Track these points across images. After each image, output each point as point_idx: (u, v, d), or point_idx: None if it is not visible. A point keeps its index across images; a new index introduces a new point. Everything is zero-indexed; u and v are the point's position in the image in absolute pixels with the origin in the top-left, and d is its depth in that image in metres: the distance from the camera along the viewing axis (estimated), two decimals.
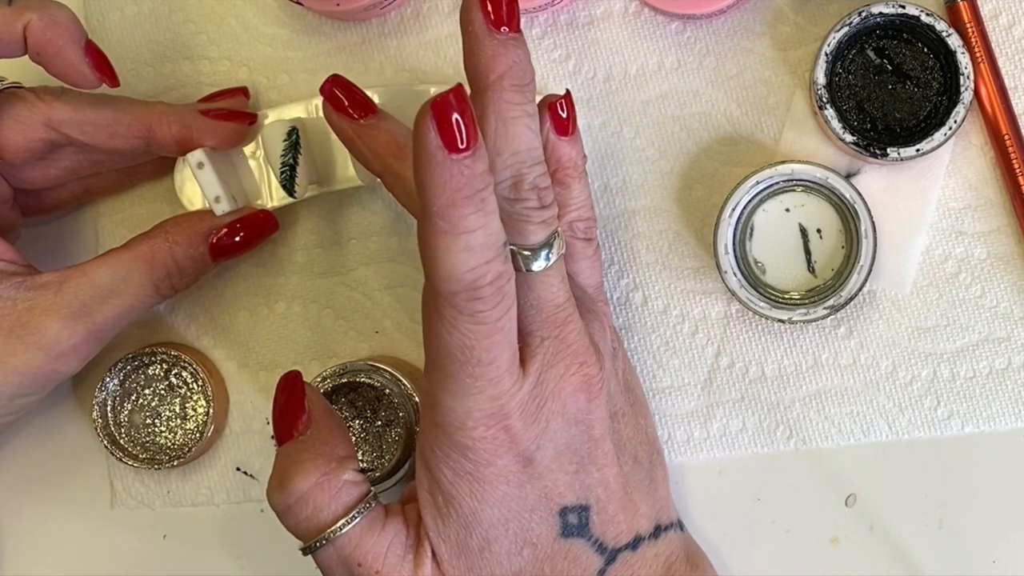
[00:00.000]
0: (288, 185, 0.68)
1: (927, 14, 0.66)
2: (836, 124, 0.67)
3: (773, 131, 0.70)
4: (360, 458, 0.71)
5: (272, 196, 0.71)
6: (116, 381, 0.73)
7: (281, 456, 0.62)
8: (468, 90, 0.57)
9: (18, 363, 0.65)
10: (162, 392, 0.74)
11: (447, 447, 0.59)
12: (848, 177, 0.69)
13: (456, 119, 0.52)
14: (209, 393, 0.73)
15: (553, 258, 0.59)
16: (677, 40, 0.71)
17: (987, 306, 0.69)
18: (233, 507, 0.74)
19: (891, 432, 0.70)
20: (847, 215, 0.67)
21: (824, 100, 0.67)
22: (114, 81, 0.67)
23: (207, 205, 0.69)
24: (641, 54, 0.71)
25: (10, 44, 0.64)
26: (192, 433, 0.73)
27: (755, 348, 0.71)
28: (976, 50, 0.67)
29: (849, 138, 0.67)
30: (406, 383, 0.70)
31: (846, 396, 0.70)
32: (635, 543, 0.63)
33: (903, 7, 0.66)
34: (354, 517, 0.60)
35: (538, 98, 0.65)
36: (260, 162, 0.71)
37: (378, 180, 0.69)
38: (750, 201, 0.68)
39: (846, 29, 0.67)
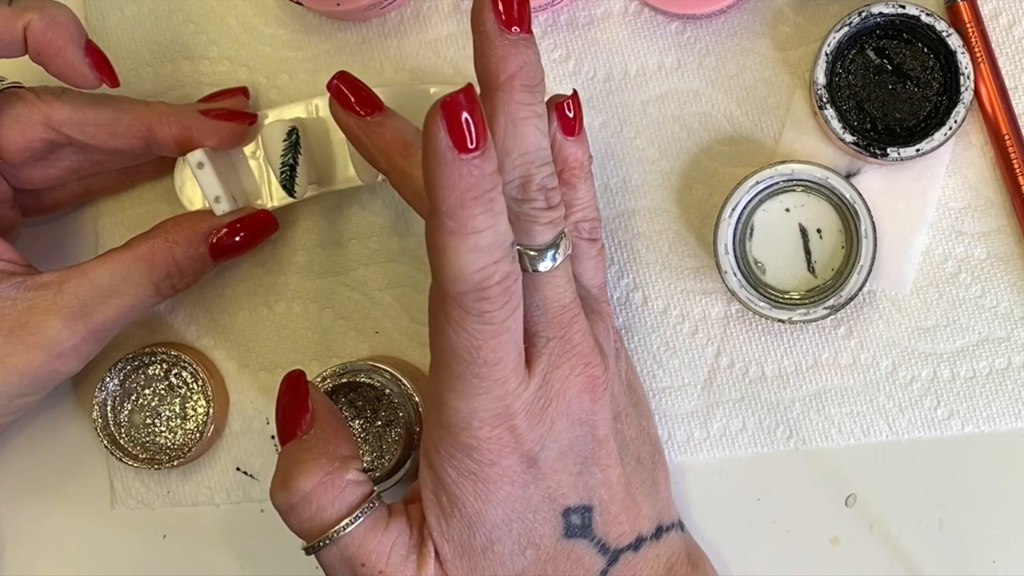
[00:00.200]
0: (288, 185, 0.68)
1: (927, 14, 0.66)
2: (836, 124, 0.67)
3: (773, 131, 0.70)
4: (357, 446, 0.71)
5: (272, 196, 0.71)
6: (116, 381, 0.73)
7: (284, 455, 0.62)
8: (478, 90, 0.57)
9: (18, 363, 0.65)
10: (162, 392, 0.74)
11: (452, 447, 0.59)
12: (848, 177, 0.69)
13: (466, 119, 0.52)
14: (209, 393, 0.73)
15: (560, 259, 0.59)
16: (677, 40, 0.71)
17: (987, 306, 0.69)
18: (233, 507, 0.74)
19: (891, 432, 0.70)
20: (847, 215, 0.67)
21: (824, 100, 0.67)
22: (114, 81, 0.67)
23: (207, 205, 0.69)
24: (641, 54, 0.71)
25: (10, 44, 0.64)
26: (192, 433, 0.73)
27: (755, 348, 0.71)
28: (976, 50, 0.67)
29: (849, 138, 0.67)
30: (406, 383, 0.70)
31: (846, 396, 0.70)
32: (637, 544, 0.63)
33: (903, 7, 0.66)
34: (357, 517, 0.60)
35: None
36: (260, 162, 0.71)
37: (379, 179, 0.69)
38: (750, 201, 0.68)
39: (846, 29, 0.67)
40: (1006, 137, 0.68)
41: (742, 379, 0.71)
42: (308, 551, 0.61)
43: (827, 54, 0.67)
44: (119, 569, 0.75)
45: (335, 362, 0.73)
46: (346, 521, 0.60)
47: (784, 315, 0.67)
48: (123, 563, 0.75)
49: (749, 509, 0.71)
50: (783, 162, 0.67)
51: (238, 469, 0.74)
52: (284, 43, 0.74)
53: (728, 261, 0.68)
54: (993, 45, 0.68)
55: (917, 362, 0.69)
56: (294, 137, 0.68)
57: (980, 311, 0.69)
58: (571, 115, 0.64)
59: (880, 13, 0.67)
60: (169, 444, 0.73)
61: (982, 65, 0.67)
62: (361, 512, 0.60)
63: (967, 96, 0.66)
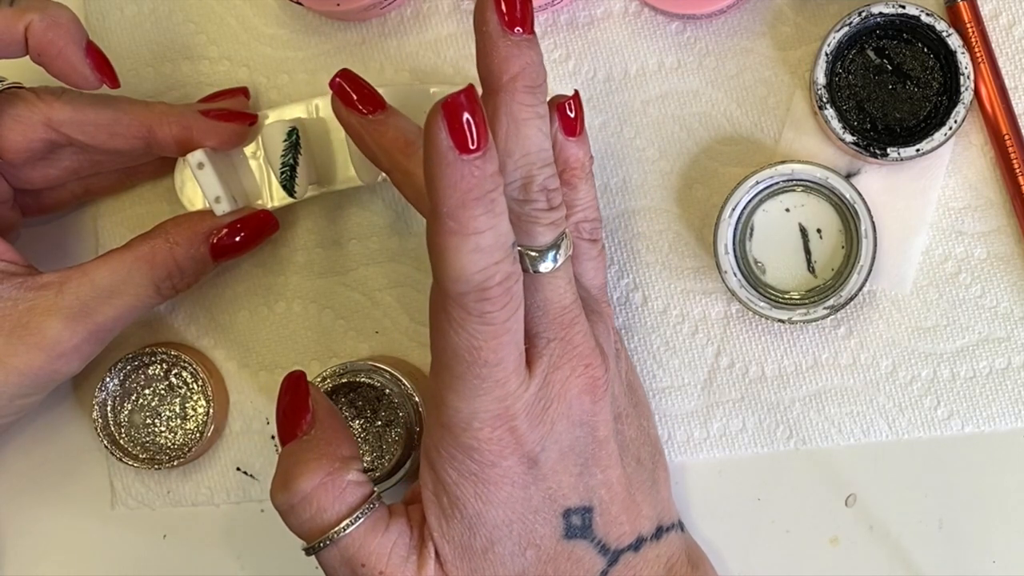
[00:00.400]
0: (288, 185, 0.68)
1: (927, 14, 0.66)
2: (836, 124, 0.67)
3: (773, 131, 0.70)
4: (359, 447, 0.71)
5: (272, 196, 0.71)
6: (116, 381, 0.73)
7: (285, 456, 0.62)
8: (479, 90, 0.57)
9: (19, 363, 0.65)
10: (162, 392, 0.74)
11: (453, 448, 0.59)
12: (848, 177, 0.69)
13: (467, 119, 0.52)
14: (209, 393, 0.73)
15: (561, 259, 0.59)
16: (677, 40, 0.71)
17: (987, 306, 0.69)
18: (233, 507, 0.74)
19: (891, 432, 0.70)
20: (847, 215, 0.68)
21: (824, 100, 0.67)
22: (114, 82, 0.67)
23: (207, 205, 0.69)
24: (641, 54, 0.71)
25: (11, 45, 0.64)
26: (192, 433, 0.73)
27: (755, 348, 0.71)
28: (976, 50, 0.67)
29: (849, 138, 0.67)
30: (406, 383, 0.70)
31: (846, 396, 0.70)
32: (637, 544, 0.63)
33: (903, 7, 0.66)
34: (358, 518, 0.60)
35: None
36: (260, 162, 0.71)
37: (379, 179, 0.69)
38: (750, 201, 0.68)
39: (846, 29, 0.67)
40: (1006, 137, 0.68)
41: (742, 379, 0.71)
42: (308, 552, 0.61)
43: (827, 54, 0.67)
44: (119, 569, 0.75)
45: (335, 362, 0.73)
46: (346, 522, 0.60)
47: (784, 315, 0.67)
48: (123, 563, 0.75)
49: (749, 509, 0.71)
50: (783, 162, 0.67)
51: (238, 469, 0.74)
52: (284, 43, 0.74)
53: (728, 261, 0.68)
54: (993, 45, 0.68)
55: (917, 362, 0.69)
56: (294, 137, 0.68)
57: (980, 311, 0.69)
58: (572, 115, 0.64)
59: (880, 13, 0.67)
60: (169, 444, 0.73)
61: (982, 65, 0.67)
62: (361, 513, 0.60)
63: (967, 96, 0.66)
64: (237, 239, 0.70)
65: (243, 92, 0.72)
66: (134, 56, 0.74)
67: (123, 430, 0.73)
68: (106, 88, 0.66)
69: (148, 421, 0.74)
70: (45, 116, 0.67)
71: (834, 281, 0.68)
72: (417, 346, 0.73)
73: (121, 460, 0.73)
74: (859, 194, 0.67)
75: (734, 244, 0.68)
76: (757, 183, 0.67)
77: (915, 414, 0.69)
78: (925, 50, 0.68)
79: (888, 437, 0.70)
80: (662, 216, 0.71)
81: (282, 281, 0.74)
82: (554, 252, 0.59)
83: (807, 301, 0.68)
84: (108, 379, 0.73)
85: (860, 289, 0.67)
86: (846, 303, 0.67)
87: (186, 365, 0.73)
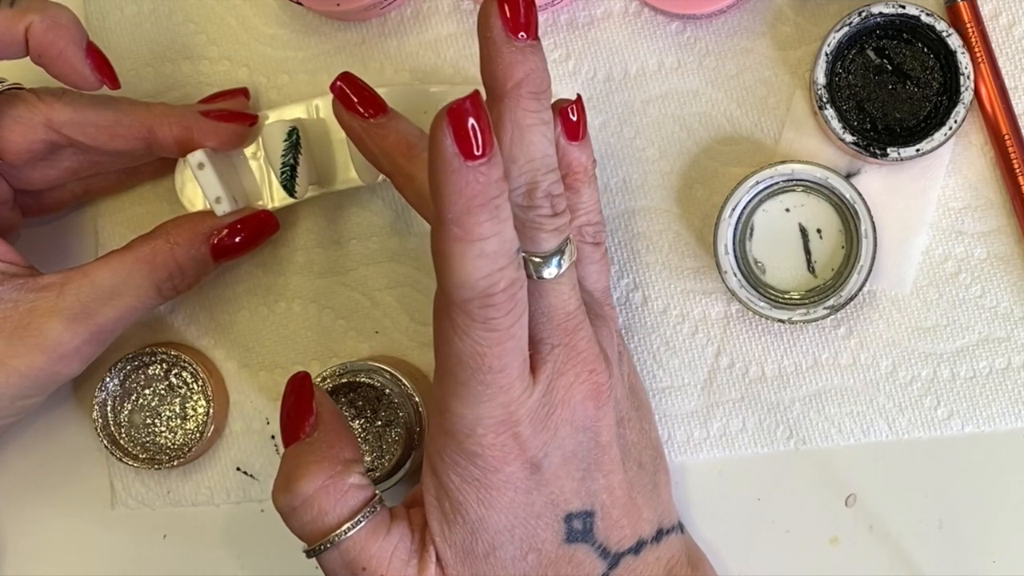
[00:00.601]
0: (289, 185, 0.68)
1: (927, 14, 0.66)
2: (836, 124, 0.67)
3: (773, 131, 0.70)
4: (361, 450, 0.71)
5: (273, 196, 0.71)
6: (116, 381, 0.73)
7: (287, 458, 0.62)
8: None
9: (20, 365, 0.65)
10: (162, 392, 0.74)
11: (456, 454, 0.59)
12: (848, 177, 0.69)
13: (472, 125, 0.52)
14: (209, 393, 0.73)
15: (564, 265, 0.59)
16: (677, 40, 0.71)
17: (987, 306, 0.69)
18: (233, 507, 0.75)
19: (891, 432, 0.70)
20: (847, 215, 0.68)
21: (824, 100, 0.67)
22: (115, 83, 0.67)
23: (208, 206, 0.69)
24: (641, 54, 0.71)
25: (12, 46, 0.64)
26: (192, 433, 0.73)
27: (755, 348, 0.71)
28: (976, 50, 0.67)
29: (849, 138, 0.67)
30: (406, 383, 0.70)
31: (846, 396, 0.70)
32: (638, 547, 0.63)
33: (903, 7, 0.66)
34: (359, 521, 0.60)
35: None
36: (261, 163, 0.71)
37: (379, 179, 0.69)
38: (750, 201, 0.68)
39: (846, 29, 0.67)
40: (1006, 137, 0.68)
41: (742, 379, 0.71)
42: (309, 554, 0.61)
43: (827, 54, 0.67)
44: (119, 569, 0.75)
45: (335, 362, 0.73)
46: (348, 525, 0.60)
47: (784, 315, 0.67)
48: (123, 563, 0.75)
49: (749, 509, 0.71)
50: (783, 162, 0.67)
51: (238, 469, 0.74)
52: (284, 43, 0.74)
53: (728, 261, 0.68)
54: (993, 45, 0.68)
55: (917, 362, 0.69)
56: (294, 137, 0.68)
57: (980, 311, 0.69)
58: (575, 119, 0.64)
59: (880, 13, 0.67)
60: (169, 444, 0.73)
61: (982, 65, 0.67)
62: (363, 516, 0.60)
63: (967, 96, 0.66)
64: (238, 239, 0.70)
65: (243, 93, 0.72)
66: (134, 56, 0.74)
67: (123, 430, 0.73)
68: (106, 89, 0.66)
69: (148, 421, 0.74)
70: (45, 117, 0.67)
71: (834, 281, 0.68)
72: (417, 346, 0.73)
73: (121, 460, 0.73)
74: (859, 194, 0.67)
75: (734, 244, 0.68)
76: (757, 183, 0.67)
77: (915, 414, 0.69)
78: (925, 50, 0.68)
79: (888, 437, 0.70)
80: (662, 216, 0.71)
81: (282, 281, 0.74)
82: (558, 258, 0.58)
83: (807, 301, 0.68)
84: (108, 379, 0.73)
85: (860, 289, 0.67)
86: (846, 303, 0.67)
87: (186, 365, 0.73)
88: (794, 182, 0.68)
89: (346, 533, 0.60)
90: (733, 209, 0.68)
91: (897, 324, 0.70)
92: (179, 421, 0.74)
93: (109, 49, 0.71)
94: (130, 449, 0.73)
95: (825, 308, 0.67)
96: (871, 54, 0.68)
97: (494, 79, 0.59)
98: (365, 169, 0.68)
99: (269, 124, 0.69)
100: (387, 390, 0.70)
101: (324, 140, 0.70)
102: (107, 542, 0.75)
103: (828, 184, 0.67)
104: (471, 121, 0.52)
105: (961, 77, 0.66)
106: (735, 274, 0.68)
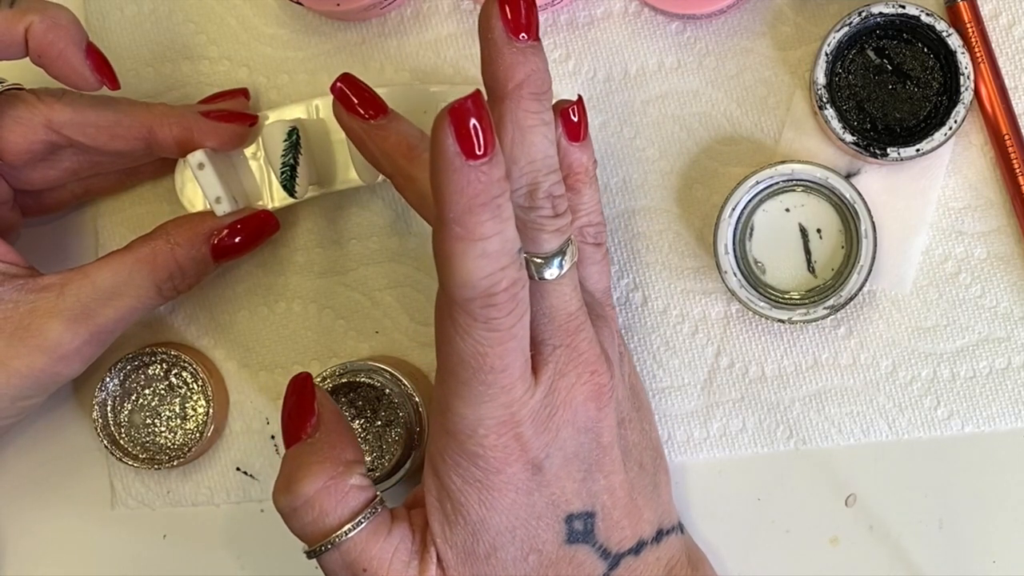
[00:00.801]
0: (289, 185, 0.68)
1: (927, 14, 0.66)
2: (836, 124, 0.67)
3: (773, 131, 0.70)
4: (363, 451, 0.71)
5: (273, 197, 0.71)
6: (116, 381, 0.73)
7: (288, 458, 0.62)
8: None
9: (20, 365, 0.65)
10: (162, 392, 0.74)
11: (458, 455, 0.59)
12: (848, 177, 0.69)
13: (474, 125, 0.52)
14: (209, 393, 0.73)
15: (566, 266, 0.59)
16: (677, 40, 0.71)
17: (987, 306, 0.69)
18: (233, 507, 0.75)
19: (891, 432, 0.70)
20: (847, 215, 0.68)
21: (824, 100, 0.67)
22: (114, 83, 0.67)
23: (208, 206, 0.69)
24: (641, 54, 0.71)
25: (12, 46, 0.64)
26: (192, 433, 0.73)
27: (755, 348, 0.71)
28: (976, 50, 0.67)
29: (849, 138, 0.67)
30: (406, 383, 0.70)
31: (846, 396, 0.70)
32: (638, 548, 0.63)
33: (903, 7, 0.66)
34: (360, 522, 0.60)
35: None
36: (261, 163, 0.71)
37: (379, 180, 0.69)
38: (750, 201, 0.68)
39: (846, 29, 0.67)
40: (1006, 137, 0.68)
41: (742, 379, 0.71)
42: (310, 555, 0.61)
43: (827, 54, 0.67)
44: (119, 569, 0.75)
45: (335, 362, 0.73)
46: (348, 526, 0.60)
47: (784, 315, 0.67)
48: (123, 563, 0.75)
49: (749, 509, 0.71)
50: (783, 162, 0.67)
51: (238, 469, 0.74)
52: (284, 43, 0.74)
53: (728, 261, 0.68)
54: (993, 45, 0.68)
55: (917, 362, 0.69)
56: (294, 137, 0.68)
57: (980, 311, 0.69)
58: (576, 120, 0.64)
59: (880, 13, 0.67)
60: (169, 444, 0.73)
61: (982, 65, 0.67)
62: (364, 517, 0.60)
63: (967, 96, 0.66)
64: (238, 240, 0.69)
65: (243, 93, 0.72)
66: (134, 56, 0.74)
67: (123, 430, 0.73)
68: (106, 89, 0.66)
69: (148, 421, 0.74)
70: (45, 118, 0.67)
71: (834, 281, 0.68)
72: (417, 346, 0.73)
73: (121, 460, 0.73)
74: (859, 194, 0.67)
75: (734, 244, 0.68)
76: (757, 183, 0.67)
77: (915, 414, 0.69)
78: (925, 50, 0.68)
79: (888, 437, 0.70)
80: (662, 216, 0.71)
81: (282, 281, 0.74)
82: (559, 259, 0.58)
83: (807, 301, 0.68)
84: (108, 379, 0.73)
85: (860, 289, 0.67)
86: (846, 303, 0.67)
87: (186, 365, 0.73)
88: (794, 182, 0.68)
89: (347, 534, 0.60)
90: (733, 209, 0.68)
91: (897, 324, 0.70)
92: (179, 421, 0.74)
93: (109, 49, 0.71)
94: (130, 449, 0.73)
95: (825, 308, 0.67)
96: (871, 54, 0.68)
97: (495, 80, 0.59)
98: (365, 169, 0.68)
99: (269, 124, 0.69)
100: (387, 390, 0.70)
101: (324, 140, 0.70)
102: (107, 542, 0.75)
103: (828, 184, 0.67)
104: (473, 121, 0.52)
105: (961, 77, 0.66)
106: (735, 274, 0.68)
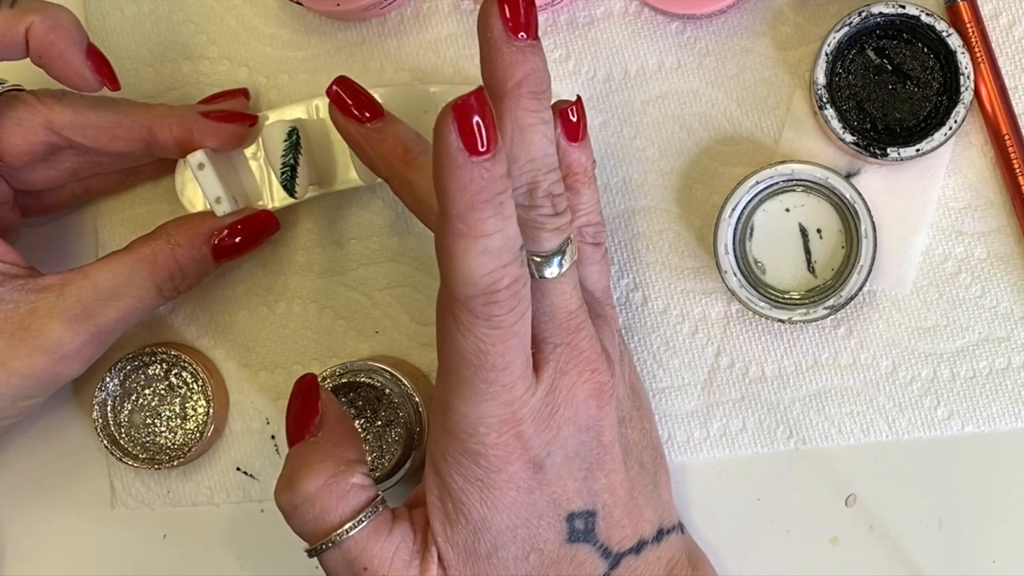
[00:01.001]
0: (289, 186, 0.68)
1: (927, 14, 0.66)
2: (836, 124, 0.67)
3: (773, 131, 0.70)
4: (365, 451, 0.71)
5: (273, 197, 0.71)
6: (116, 381, 0.73)
7: (291, 457, 0.62)
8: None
9: (21, 366, 0.65)
10: (162, 392, 0.74)
11: (459, 453, 0.59)
12: (848, 177, 0.69)
13: (477, 122, 0.52)
14: (209, 393, 0.73)
15: (566, 265, 0.59)
16: (677, 40, 0.71)
17: (987, 306, 0.69)
18: (233, 507, 0.75)
19: (891, 432, 0.70)
20: (847, 215, 0.68)
21: (824, 100, 0.67)
22: (115, 84, 0.67)
23: (208, 206, 0.69)
24: (641, 54, 0.71)
25: (12, 47, 0.64)
26: (192, 433, 0.73)
27: (755, 348, 0.71)
28: (976, 50, 0.67)
29: (849, 138, 0.67)
30: (406, 383, 0.70)
31: (846, 396, 0.70)
32: (639, 547, 0.63)
33: (903, 7, 0.66)
34: (361, 521, 0.60)
35: None
36: (261, 163, 0.71)
37: (378, 180, 0.69)
38: (750, 201, 0.68)
39: (846, 29, 0.67)
40: (1006, 137, 0.68)
41: (742, 379, 0.71)
42: (311, 553, 0.61)
43: (827, 54, 0.67)
44: (119, 569, 0.75)
45: (335, 362, 0.73)
46: (349, 524, 0.60)
47: (784, 315, 0.67)
48: (123, 563, 0.75)
49: (749, 509, 0.71)
50: (783, 162, 0.67)
51: (238, 469, 0.74)
52: (284, 43, 0.74)
53: (728, 261, 0.68)
54: (993, 45, 0.68)
55: (917, 362, 0.69)
56: (295, 138, 0.68)
57: (980, 311, 0.69)
58: (575, 120, 0.64)
59: (880, 13, 0.67)
60: (169, 444, 0.73)
61: (982, 65, 0.67)
62: (365, 516, 0.60)
63: (967, 96, 0.66)
64: (238, 240, 0.69)
65: (243, 93, 0.72)
66: (134, 56, 0.74)
67: (123, 430, 0.73)
68: (106, 90, 0.66)
69: (148, 421, 0.74)
70: (46, 119, 0.67)
71: (834, 281, 0.68)
72: (417, 346, 0.73)
73: (121, 460, 0.73)
74: (859, 194, 0.67)
75: (734, 244, 0.68)
76: (757, 183, 0.67)
77: (915, 414, 0.69)
78: (925, 50, 0.68)
79: (888, 437, 0.70)
80: (662, 216, 0.71)
81: (282, 281, 0.74)
82: (559, 258, 0.58)
83: (807, 301, 0.68)
84: (108, 379, 0.73)
85: (860, 289, 0.67)
86: (846, 303, 0.67)
87: (186, 365, 0.73)
88: (794, 182, 0.68)
89: (347, 532, 0.60)
90: (733, 209, 0.68)
91: (897, 324, 0.70)
92: (179, 421, 0.74)
93: (109, 49, 0.71)
94: (130, 449, 0.73)
95: (825, 308, 0.67)
96: (871, 54, 0.68)
97: (494, 79, 0.59)
98: (365, 169, 0.67)
99: (269, 124, 0.69)
100: (387, 390, 0.70)
101: (324, 140, 0.70)
102: (107, 542, 0.75)
103: (828, 184, 0.67)
104: (476, 117, 0.52)
105: (961, 77, 0.66)
106: (735, 274, 0.68)
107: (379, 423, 0.72)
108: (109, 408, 0.73)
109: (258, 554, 0.74)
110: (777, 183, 0.68)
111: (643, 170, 0.71)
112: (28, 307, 0.66)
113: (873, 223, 0.67)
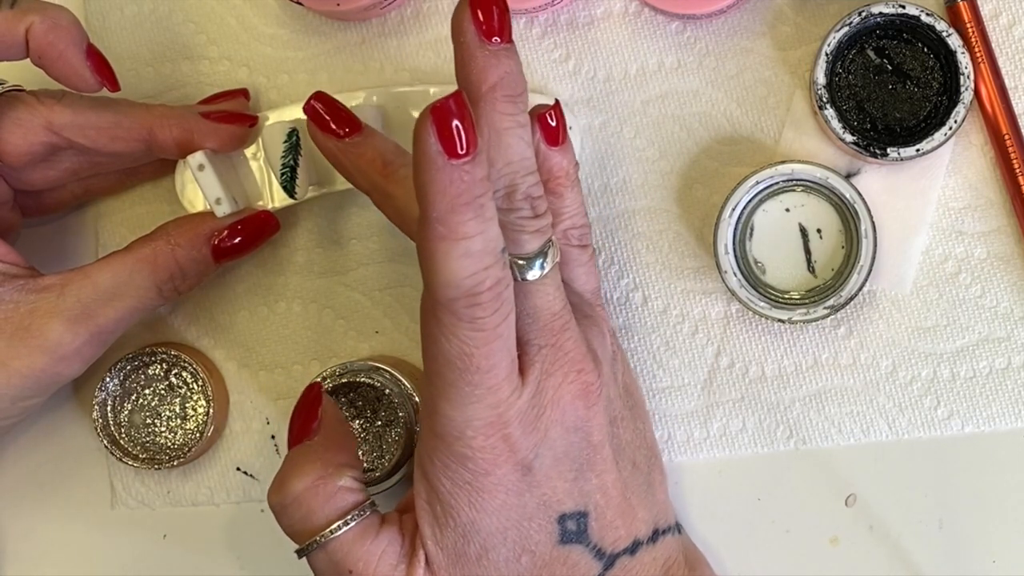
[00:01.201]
0: (289, 186, 0.68)
1: (927, 14, 0.66)
2: (836, 124, 0.67)
3: (773, 131, 0.70)
4: (360, 458, 0.71)
5: (273, 197, 0.71)
6: (116, 381, 0.73)
7: (286, 460, 0.63)
8: None
9: (21, 366, 0.65)
10: (162, 392, 0.74)
11: (446, 457, 0.59)
12: (848, 177, 0.69)
13: (456, 125, 0.52)
14: (209, 393, 0.73)
15: (548, 267, 0.59)
16: (677, 40, 0.71)
17: (987, 306, 0.69)
18: (233, 507, 0.75)
19: (891, 432, 0.70)
20: (847, 215, 0.68)
21: (824, 100, 0.67)
22: (114, 85, 0.67)
23: (208, 207, 0.69)
24: (641, 54, 0.71)
25: (12, 47, 0.64)
26: (192, 433, 0.73)
27: (755, 348, 0.71)
28: (976, 50, 0.67)
29: (849, 138, 0.67)
30: (406, 383, 0.70)
31: (846, 396, 0.70)
32: (633, 548, 0.63)
33: (903, 7, 0.66)
34: (347, 522, 0.60)
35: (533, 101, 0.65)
36: (261, 163, 0.71)
37: None
38: (750, 201, 0.68)
39: (846, 29, 0.67)
40: (1006, 137, 0.68)
41: (742, 379, 0.71)
42: (300, 554, 0.61)
43: (827, 54, 0.67)
44: (119, 569, 0.75)
45: (335, 362, 0.73)
46: (335, 526, 0.60)
47: (784, 315, 0.67)
48: (123, 563, 0.75)
49: (749, 509, 0.71)
50: (783, 162, 0.67)
51: (238, 469, 0.74)
52: (284, 43, 0.74)
53: (728, 261, 0.68)
54: (993, 45, 0.68)
55: (917, 362, 0.69)
56: (294, 138, 0.68)
57: (980, 311, 0.69)
58: (554, 125, 0.63)
59: (880, 13, 0.67)
60: (169, 444, 0.73)
61: (982, 65, 0.67)
62: (351, 518, 0.61)
63: (967, 96, 0.66)
64: (238, 240, 0.70)
65: (243, 94, 0.72)
66: (134, 56, 0.74)
67: (123, 430, 0.73)
68: (106, 91, 0.66)
69: (148, 421, 0.74)
70: (46, 119, 0.67)
71: (834, 281, 0.68)
72: (417, 346, 0.73)
73: (121, 460, 0.73)
74: (859, 194, 0.67)
75: (734, 244, 0.68)
76: (757, 183, 0.67)
77: (915, 414, 0.69)
78: (925, 50, 0.68)
79: (888, 437, 0.70)
80: (662, 216, 0.71)
81: (282, 281, 0.74)
82: (541, 260, 0.58)
83: (807, 301, 0.68)
84: (108, 379, 0.73)
85: (860, 289, 0.67)
86: (846, 303, 0.67)
87: (186, 365, 0.73)
88: (794, 182, 0.68)
89: (332, 534, 0.60)
90: (733, 209, 0.68)
91: (897, 324, 0.70)
92: (179, 421, 0.74)
93: (109, 49, 0.71)
94: (130, 449, 0.73)
95: (825, 308, 0.67)
96: (871, 54, 0.68)
97: (468, 83, 0.59)
98: None
99: (269, 125, 0.69)
100: (387, 390, 0.70)
101: None
102: (107, 542, 0.75)
103: (828, 184, 0.67)
104: (455, 120, 0.52)
105: (961, 77, 0.66)
106: (735, 274, 0.68)
107: (379, 423, 0.72)
108: (109, 408, 0.73)
109: (258, 554, 0.74)
110: (777, 183, 0.68)
111: (643, 170, 0.71)
112: (28, 307, 0.66)
113: (873, 223, 0.67)
